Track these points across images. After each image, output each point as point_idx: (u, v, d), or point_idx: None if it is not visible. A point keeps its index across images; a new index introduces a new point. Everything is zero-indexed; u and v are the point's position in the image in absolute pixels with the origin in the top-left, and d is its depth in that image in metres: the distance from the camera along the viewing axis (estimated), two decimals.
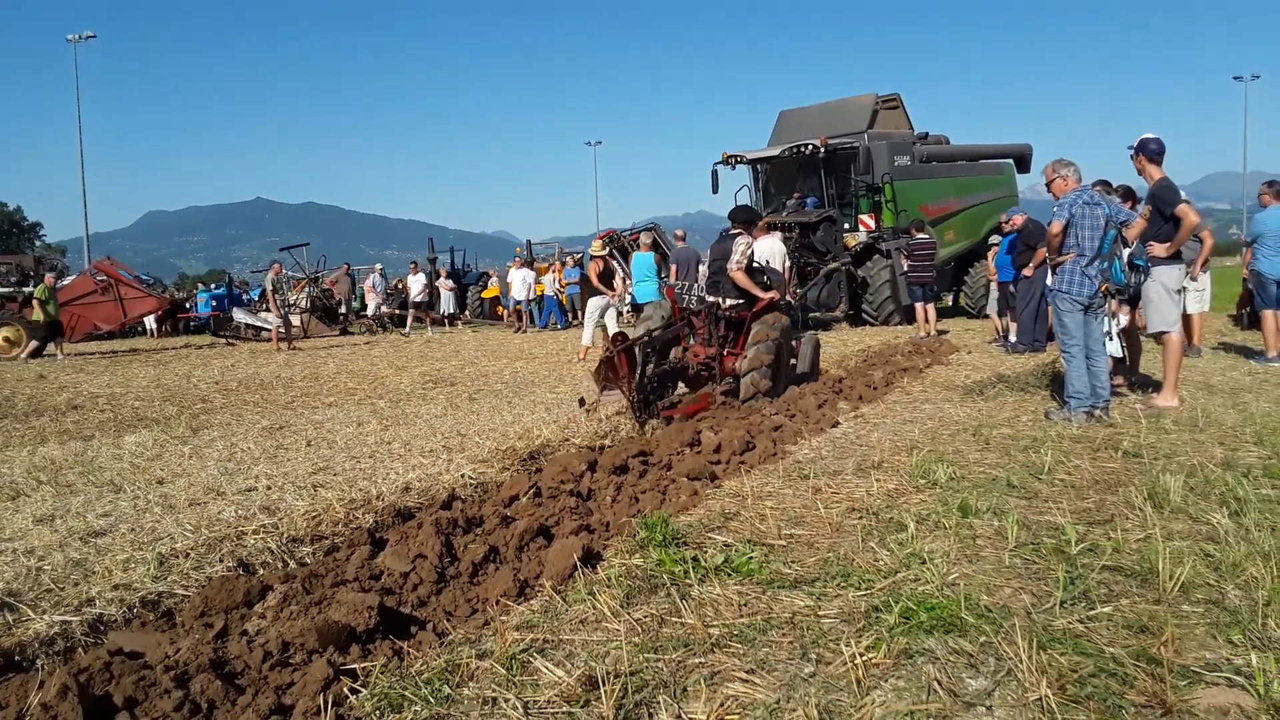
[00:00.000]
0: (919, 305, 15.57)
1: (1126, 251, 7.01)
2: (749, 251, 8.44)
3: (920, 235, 15.77)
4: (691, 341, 8.71)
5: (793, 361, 9.07)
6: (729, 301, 8.47)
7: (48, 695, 2.53)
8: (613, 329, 13.95)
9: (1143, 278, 7.13)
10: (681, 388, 8.91)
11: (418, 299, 26.01)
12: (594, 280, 15.22)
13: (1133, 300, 8.26)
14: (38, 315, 19.08)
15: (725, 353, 8.54)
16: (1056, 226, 6.87)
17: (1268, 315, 10.12)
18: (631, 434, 7.15)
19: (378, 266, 31.12)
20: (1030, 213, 13.27)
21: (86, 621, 3.30)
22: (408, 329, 24.37)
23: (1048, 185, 7.20)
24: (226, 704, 2.63)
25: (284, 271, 22.39)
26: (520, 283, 24.78)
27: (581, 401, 7.99)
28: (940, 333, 15.65)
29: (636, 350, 7.88)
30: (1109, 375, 7.09)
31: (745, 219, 8.96)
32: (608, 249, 15.31)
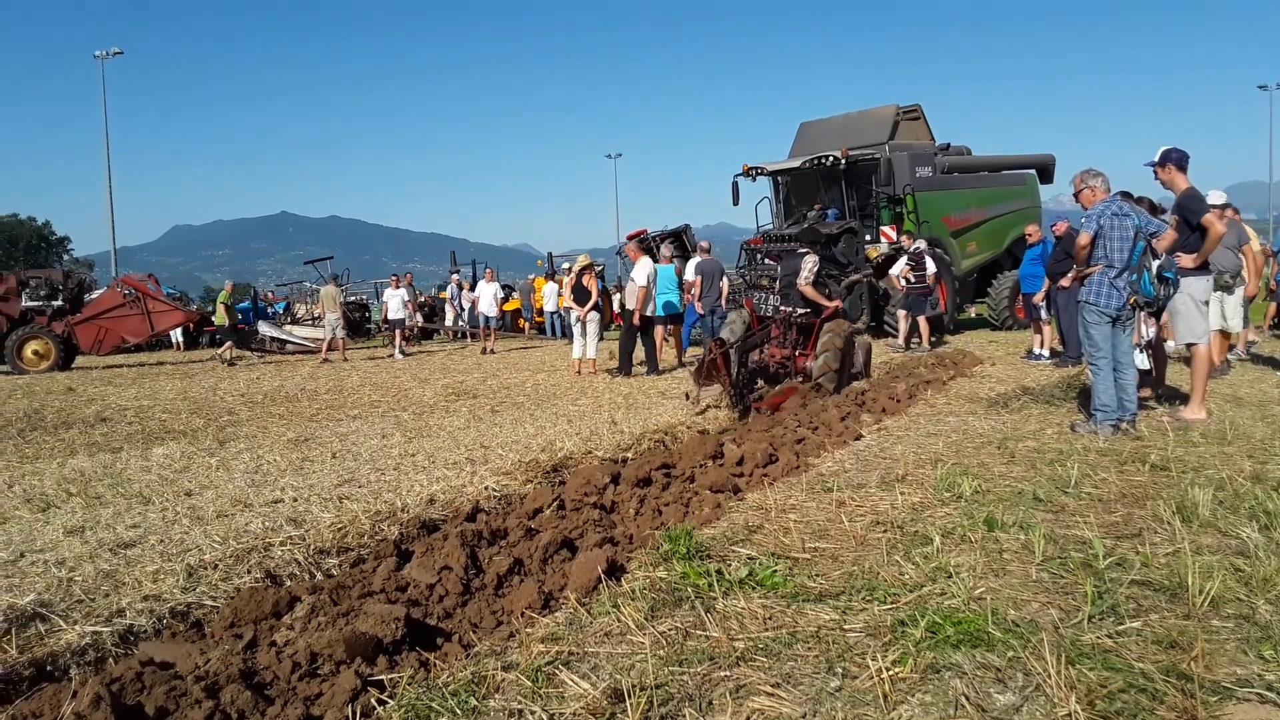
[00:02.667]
0: (903, 314, 15.64)
1: (1155, 263, 6.94)
2: (815, 268, 9.92)
3: (915, 245, 15.86)
4: (767, 345, 10.20)
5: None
6: (799, 310, 10.01)
7: (81, 705, 2.57)
8: (578, 350, 14.06)
9: (1171, 290, 7.02)
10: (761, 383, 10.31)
11: (396, 316, 22.05)
12: (566, 296, 15.29)
13: (1157, 312, 8.18)
14: (221, 319, 21.03)
15: (797, 354, 10.09)
16: (1085, 238, 6.80)
17: None
18: (652, 446, 7.16)
19: (454, 277, 29.56)
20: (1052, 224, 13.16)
21: (117, 632, 3.34)
22: (395, 350, 21.45)
23: (1076, 195, 7.13)
24: (256, 714, 2.66)
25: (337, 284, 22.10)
26: (489, 297, 22.42)
27: (687, 395, 9.36)
28: (934, 344, 15.67)
29: (732, 353, 9.23)
30: (1136, 388, 7.02)
31: (811, 239, 10.47)
32: (596, 265, 15.29)
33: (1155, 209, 8.66)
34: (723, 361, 8.95)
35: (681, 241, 20.93)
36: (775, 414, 8.48)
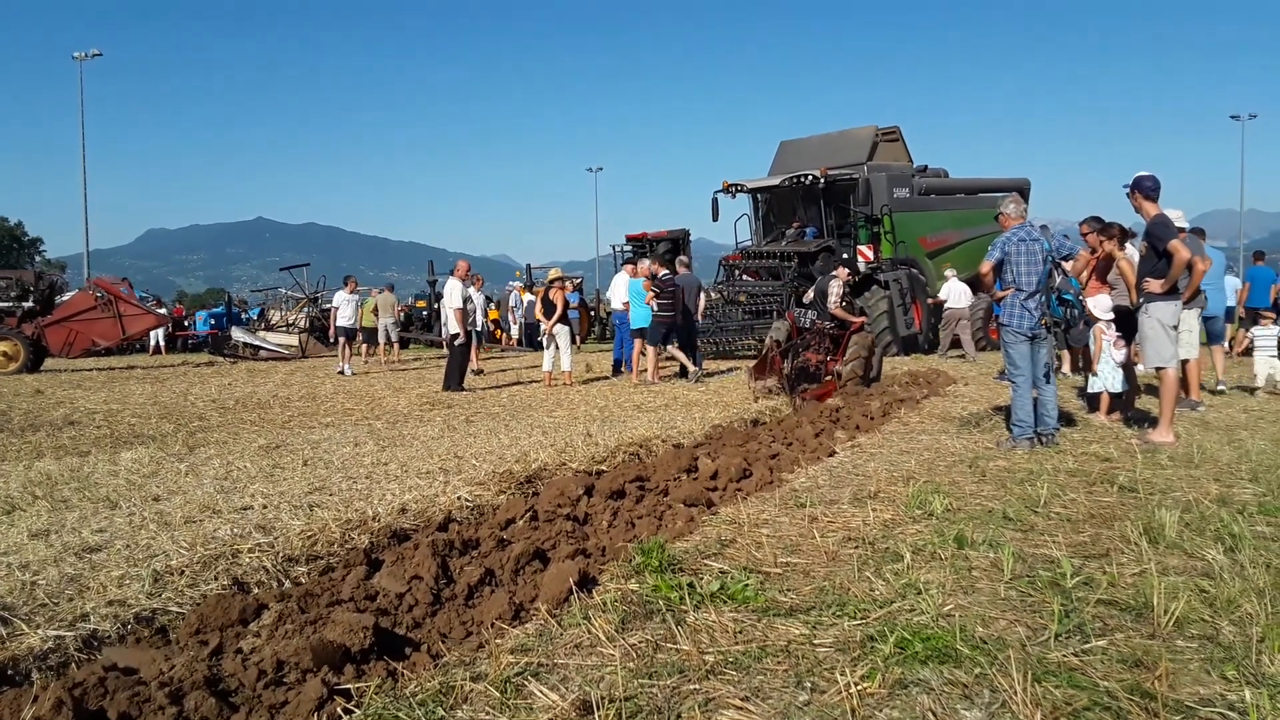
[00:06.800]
0: (651, 348, 14.08)
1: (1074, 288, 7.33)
2: (840, 291, 12.12)
3: (664, 272, 14.30)
4: (804, 351, 12.01)
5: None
6: (830, 324, 12.09)
7: (42, 710, 2.53)
8: (548, 362, 14.15)
9: (1074, 311, 7.47)
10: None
11: (345, 324, 18.63)
12: (538, 310, 15.41)
13: (1128, 335, 8.32)
14: (370, 323, 21.51)
15: (829, 359, 11.89)
16: (986, 266, 7.25)
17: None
18: (625, 460, 7.16)
19: (516, 285, 27.53)
20: None
21: (81, 637, 3.29)
22: (342, 365, 18.34)
23: (996, 218, 7.63)
24: None
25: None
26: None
27: (749, 387, 11.33)
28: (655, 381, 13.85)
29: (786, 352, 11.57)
30: (1056, 404, 7.34)
31: (842, 263, 13.34)
32: (574, 278, 15.47)
33: (1125, 234, 8.81)
34: (779, 360, 11.36)
35: (677, 247, 21.08)
36: (820, 402, 10.31)
